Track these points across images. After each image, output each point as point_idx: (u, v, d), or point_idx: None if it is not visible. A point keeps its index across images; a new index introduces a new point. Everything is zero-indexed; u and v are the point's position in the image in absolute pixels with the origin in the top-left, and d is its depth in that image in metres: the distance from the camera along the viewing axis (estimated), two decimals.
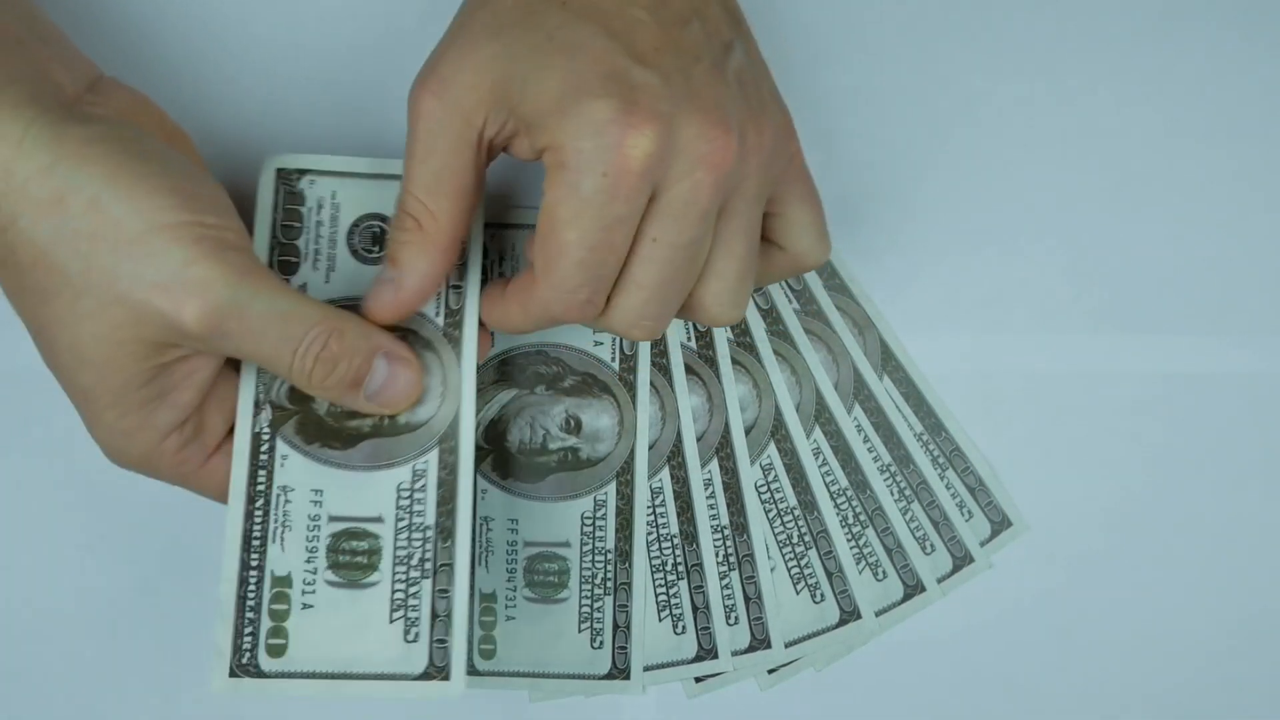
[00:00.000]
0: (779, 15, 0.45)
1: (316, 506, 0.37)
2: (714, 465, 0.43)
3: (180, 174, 0.33)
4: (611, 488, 0.43)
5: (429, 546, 0.36)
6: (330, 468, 0.37)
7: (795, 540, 0.44)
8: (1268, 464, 0.45)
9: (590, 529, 0.43)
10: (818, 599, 0.43)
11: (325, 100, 0.43)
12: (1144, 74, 0.46)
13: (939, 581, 0.44)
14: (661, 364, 0.44)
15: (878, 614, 0.43)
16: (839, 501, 0.44)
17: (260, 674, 0.35)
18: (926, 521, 0.44)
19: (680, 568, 0.43)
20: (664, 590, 0.43)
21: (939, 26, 0.45)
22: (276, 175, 0.39)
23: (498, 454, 0.43)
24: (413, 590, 0.36)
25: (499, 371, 0.43)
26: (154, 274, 0.32)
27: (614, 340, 0.43)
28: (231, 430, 0.36)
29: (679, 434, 0.43)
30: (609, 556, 0.43)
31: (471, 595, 0.42)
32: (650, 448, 0.43)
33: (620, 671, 0.42)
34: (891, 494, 0.44)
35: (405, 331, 0.38)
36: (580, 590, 0.42)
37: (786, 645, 0.43)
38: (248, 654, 0.35)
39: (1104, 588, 0.44)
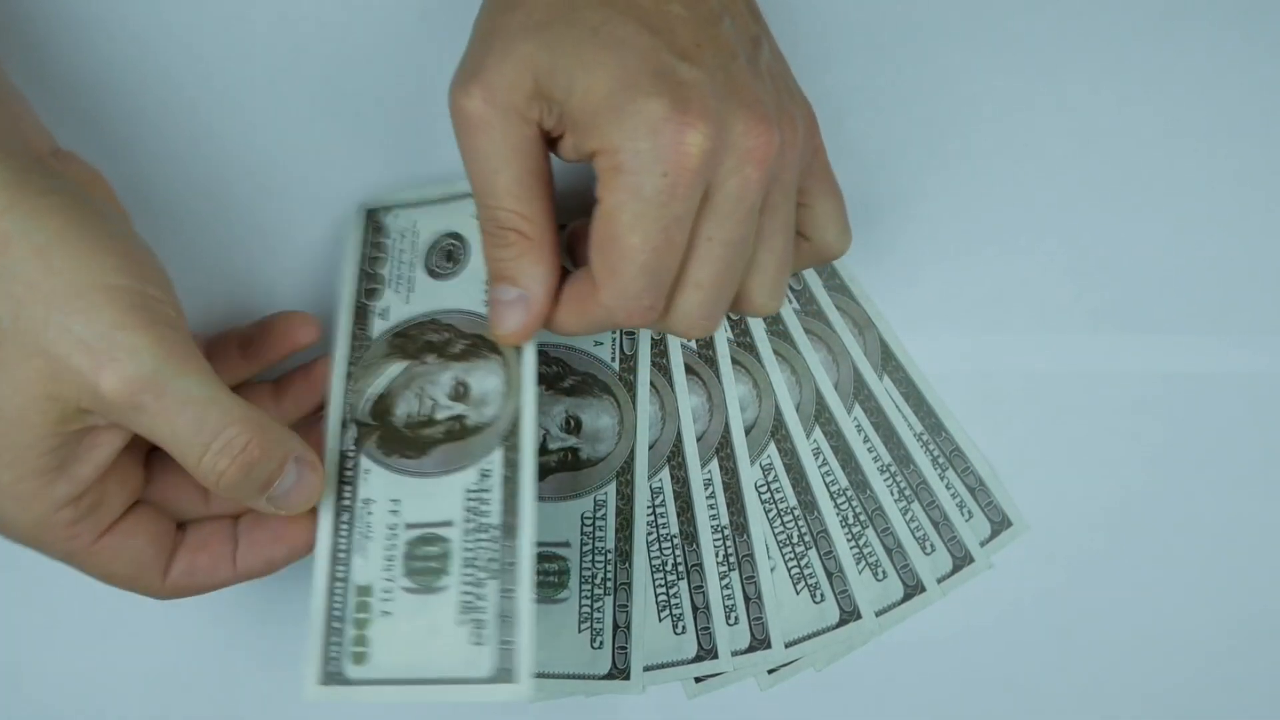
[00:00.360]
0: (779, 15, 0.45)
1: (395, 516, 0.37)
2: (714, 465, 0.43)
3: (129, 241, 0.33)
4: (611, 488, 0.43)
5: (494, 546, 0.36)
6: (406, 476, 0.38)
7: (795, 540, 0.44)
8: (1268, 464, 0.45)
9: (590, 529, 0.43)
10: (818, 599, 0.43)
11: (325, 108, 0.43)
12: (1144, 74, 0.46)
13: (939, 581, 0.44)
14: (661, 364, 0.43)
15: (878, 614, 0.43)
16: (839, 501, 0.44)
17: (346, 681, 0.36)
18: (926, 521, 0.44)
19: (680, 568, 0.43)
20: (664, 590, 0.43)
21: (939, 26, 0.45)
22: (365, 216, 0.41)
23: None
24: (479, 592, 0.36)
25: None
26: (81, 330, 0.31)
27: (614, 340, 0.43)
28: (127, 512, 0.35)
29: (679, 434, 0.43)
30: (609, 556, 0.43)
31: None
32: (650, 448, 0.43)
33: (620, 671, 0.42)
34: (891, 494, 0.44)
35: (473, 338, 0.39)
36: (580, 590, 0.42)
37: (786, 645, 0.43)
38: (334, 662, 0.36)
39: (1104, 588, 0.44)
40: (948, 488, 0.44)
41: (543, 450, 0.42)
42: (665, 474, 0.43)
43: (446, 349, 0.39)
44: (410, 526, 0.37)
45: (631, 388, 0.43)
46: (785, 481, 0.44)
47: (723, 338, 0.44)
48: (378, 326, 0.40)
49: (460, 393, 0.38)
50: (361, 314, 0.40)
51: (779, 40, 0.38)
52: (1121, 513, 0.44)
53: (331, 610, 0.37)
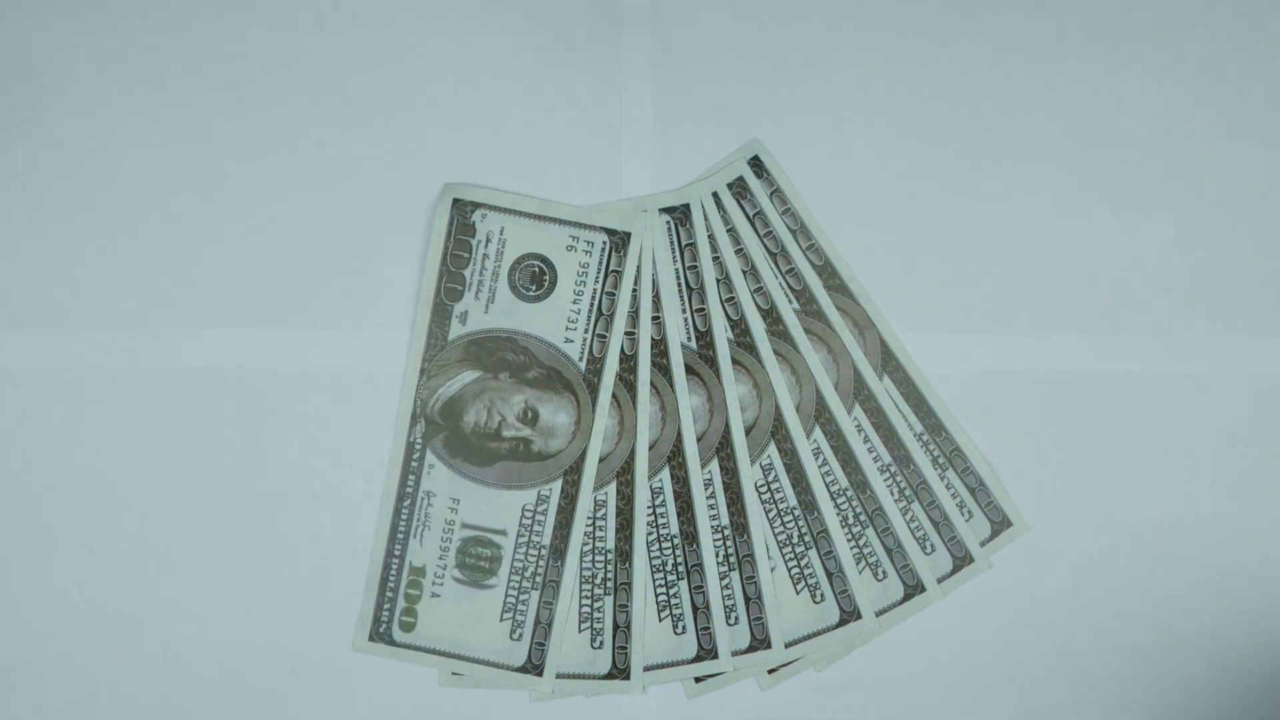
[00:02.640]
0: (779, 15, 0.45)
1: (452, 513, 0.42)
2: (714, 465, 0.43)
3: None
4: (611, 488, 0.43)
5: (542, 563, 0.42)
6: (468, 481, 0.42)
7: (795, 540, 0.43)
8: (1268, 464, 0.45)
9: (590, 529, 0.43)
10: (818, 599, 0.43)
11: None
12: (1144, 74, 0.46)
13: (939, 581, 0.44)
14: (661, 364, 0.43)
15: (878, 614, 0.43)
16: (839, 501, 0.44)
17: (392, 643, 0.42)
18: (926, 521, 0.44)
19: (680, 568, 0.43)
20: (664, 590, 0.43)
21: (939, 26, 0.45)
22: (452, 205, 0.43)
23: None
24: (523, 598, 0.42)
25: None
26: None
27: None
28: None
29: (679, 434, 0.43)
30: (609, 556, 0.43)
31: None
32: (650, 448, 0.43)
33: (620, 671, 0.42)
34: (891, 494, 0.44)
35: (550, 370, 0.42)
36: (580, 590, 0.42)
37: (786, 645, 0.43)
38: (384, 625, 0.42)
39: (1104, 588, 0.44)
40: (948, 488, 0.44)
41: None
42: (665, 474, 0.43)
43: (522, 372, 0.42)
44: (466, 526, 0.42)
45: (632, 388, 0.43)
46: (785, 481, 0.44)
47: (723, 338, 0.44)
48: (455, 329, 0.42)
49: (529, 418, 0.42)
50: (440, 312, 0.42)
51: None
52: (1121, 513, 0.44)
53: (386, 581, 0.42)
